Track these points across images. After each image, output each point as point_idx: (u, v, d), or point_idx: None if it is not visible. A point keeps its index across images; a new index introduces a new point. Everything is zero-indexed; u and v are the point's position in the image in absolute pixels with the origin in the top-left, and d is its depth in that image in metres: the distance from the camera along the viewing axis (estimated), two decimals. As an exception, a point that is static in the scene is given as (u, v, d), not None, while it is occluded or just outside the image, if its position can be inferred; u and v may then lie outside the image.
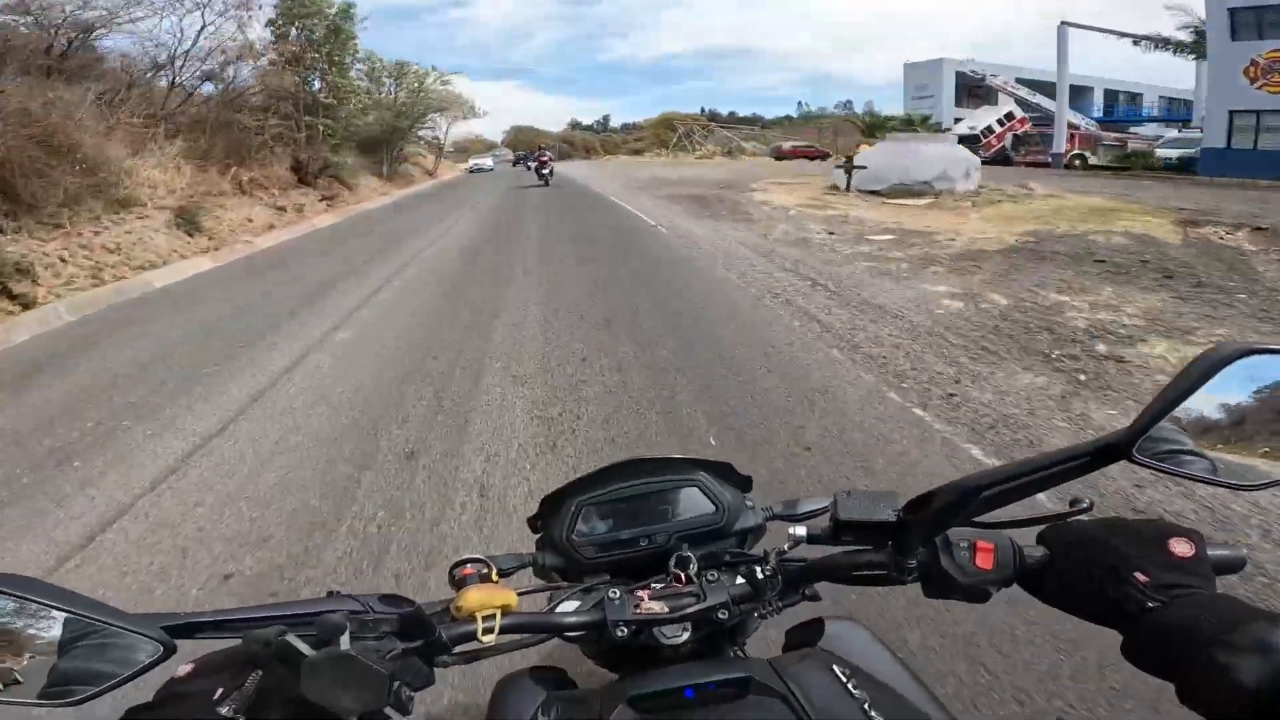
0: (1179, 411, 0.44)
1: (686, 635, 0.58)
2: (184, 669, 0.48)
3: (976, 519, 0.54)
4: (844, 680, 0.54)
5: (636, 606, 0.58)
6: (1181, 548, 0.47)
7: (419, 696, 0.49)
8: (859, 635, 0.66)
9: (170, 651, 0.46)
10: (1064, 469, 0.48)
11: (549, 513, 0.70)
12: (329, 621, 0.45)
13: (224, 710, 0.46)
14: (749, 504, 0.70)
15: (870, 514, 0.58)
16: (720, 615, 0.58)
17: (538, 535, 0.72)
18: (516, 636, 0.57)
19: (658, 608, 0.57)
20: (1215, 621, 0.40)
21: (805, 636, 0.66)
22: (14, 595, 0.43)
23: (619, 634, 0.56)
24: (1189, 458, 0.46)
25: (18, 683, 0.44)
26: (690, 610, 0.57)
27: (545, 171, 21.83)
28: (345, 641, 0.45)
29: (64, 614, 0.44)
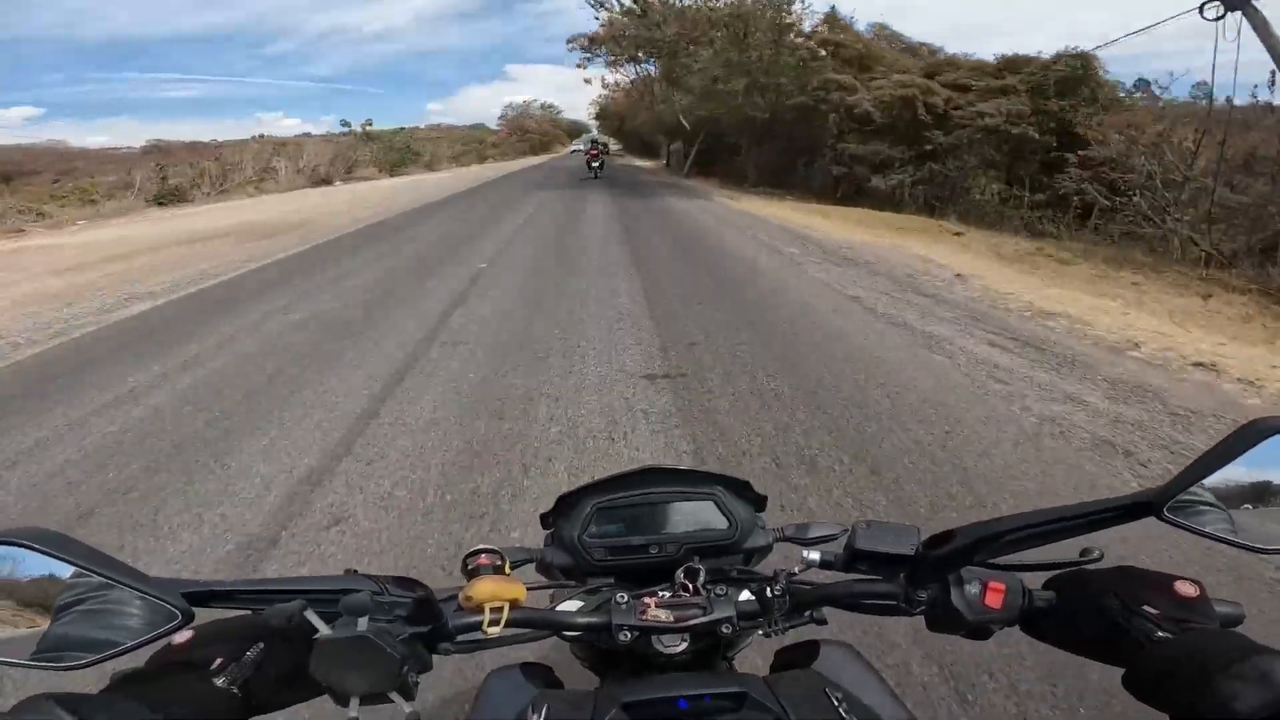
0: (1213, 477, 0.45)
1: (684, 645, 0.57)
2: (181, 636, 0.47)
3: (989, 560, 0.54)
4: (836, 704, 0.54)
5: (642, 613, 0.57)
6: (1187, 589, 0.48)
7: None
8: (852, 660, 0.65)
9: (188, 619, 0.44)
10: (1090, 520, 0.48)
11: (563, 511, 0.69)
12: (354, 602, 0.45)
13: (219, 681, 0.45)
14: (761, 523, 0.70)
15: (889, 546, 0.57)
16: (724, 630, 0.57)
17: (548, 531, 0.71)
18: (518, 630, 0.56)
19: (663, 616, 0.57)
20: (1221, 653, 0.40)
21: (799, 657, 0.65)
22: (32, 547, 0.40)
23: (621, 638, 0.56)
24: (1216, 520, 0.47)
25: (19, 641, 0.42)
26: (695, 622, 0.57)
27: (595, 164, 21.90)
28: (363, 623, 0.44)
29: (80, 571, 0.42)
